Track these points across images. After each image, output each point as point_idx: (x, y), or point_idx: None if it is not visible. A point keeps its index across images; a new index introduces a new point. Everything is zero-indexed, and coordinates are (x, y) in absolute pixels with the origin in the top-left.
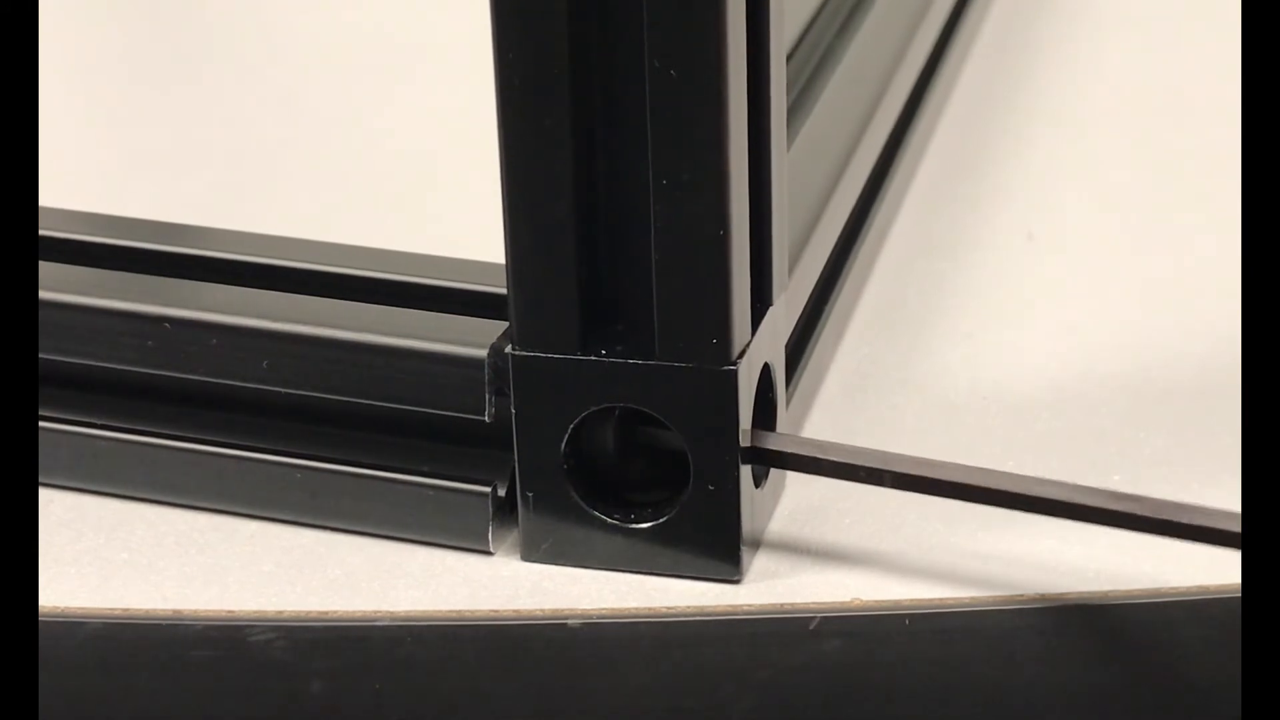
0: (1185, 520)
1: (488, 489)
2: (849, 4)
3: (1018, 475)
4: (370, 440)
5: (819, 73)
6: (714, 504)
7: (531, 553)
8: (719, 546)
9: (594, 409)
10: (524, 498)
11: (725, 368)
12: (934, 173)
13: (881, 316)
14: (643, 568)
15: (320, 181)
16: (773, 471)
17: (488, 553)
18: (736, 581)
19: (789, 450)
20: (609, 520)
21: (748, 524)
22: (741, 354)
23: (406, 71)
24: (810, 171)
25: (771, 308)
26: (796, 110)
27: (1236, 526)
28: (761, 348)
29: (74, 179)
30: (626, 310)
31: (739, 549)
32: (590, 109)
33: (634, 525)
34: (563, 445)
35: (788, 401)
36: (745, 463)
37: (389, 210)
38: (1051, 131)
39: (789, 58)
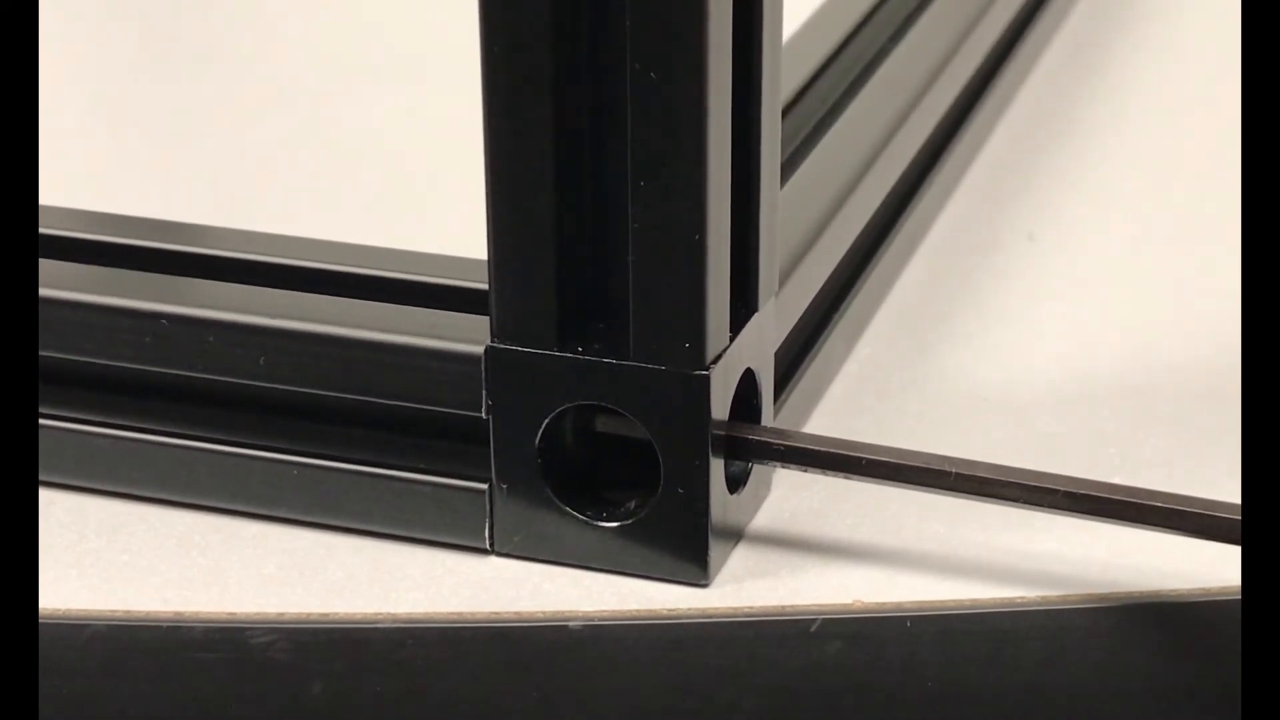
0: (1189, 509)
1: (484, 486)
2: (900, 17)
3: (1001, 465)
4: (367, 437)
5: (854, 87)
6: (683, 507)
7: (504, 545)
8: (687, 550)
9: (568, 405)
10: (499, 490)
11: (698, 372)
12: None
13: (883, 318)
14: (612, 566)
15: (318, 179)
16: (756, 476)
17: (485, 550)
18: (704, 585)
19: (762, 439)
20: (580, 517)
21: (718, 529)
22: (717, 359)
23: (404, 71)
24: (826, 179)
25: (758, 313)
26: (824, 122)
27: (1237, 514)
28: (742, 353)
29: (73, 177)
30: (609, 309)
31: (707, 553)
32: (575, 107)
33: (605, 524)
34: (537, 440)
35: (782, 405)
36: (716, 463)
37: (387, 207)
38: (1052, 132)
39: (826, 67)
